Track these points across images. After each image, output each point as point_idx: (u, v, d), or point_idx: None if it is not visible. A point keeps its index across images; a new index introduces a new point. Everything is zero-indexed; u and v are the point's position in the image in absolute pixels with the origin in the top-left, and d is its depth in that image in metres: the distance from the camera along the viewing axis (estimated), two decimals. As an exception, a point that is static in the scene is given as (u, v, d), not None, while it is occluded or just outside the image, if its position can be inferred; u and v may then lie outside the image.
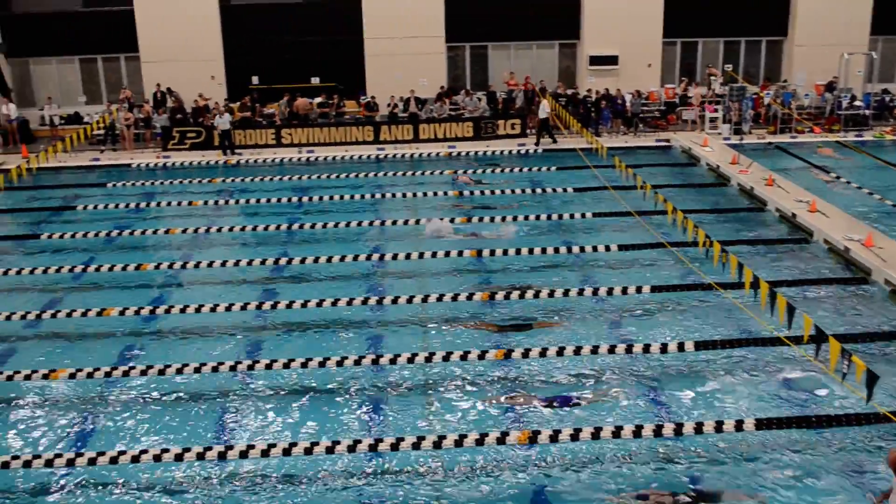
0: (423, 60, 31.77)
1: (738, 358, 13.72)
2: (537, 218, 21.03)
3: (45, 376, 13.59)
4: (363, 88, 31.83)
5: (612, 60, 32.39)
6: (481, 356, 13.70)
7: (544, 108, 28.77)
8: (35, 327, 15.85)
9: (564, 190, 23.40)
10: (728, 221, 20.95)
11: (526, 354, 13.74)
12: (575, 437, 11.32)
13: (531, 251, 18.45)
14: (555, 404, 12.59)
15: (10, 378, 13.55)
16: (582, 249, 18.62)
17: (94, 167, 28.12)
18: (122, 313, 15.86)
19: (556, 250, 18.59)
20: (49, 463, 11.25)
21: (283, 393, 13.11)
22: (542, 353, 13.70)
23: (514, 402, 12.67)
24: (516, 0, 32.42)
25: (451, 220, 20.75)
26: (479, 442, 11.28)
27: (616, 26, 32.03)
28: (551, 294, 16.10)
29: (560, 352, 13.72)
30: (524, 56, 33.50)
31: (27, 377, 13.58)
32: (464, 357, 13.65)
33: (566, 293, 16.15)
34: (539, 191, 23.45)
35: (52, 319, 15.91)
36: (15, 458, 11.36)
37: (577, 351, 13.74)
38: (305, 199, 23.31)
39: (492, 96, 31.40)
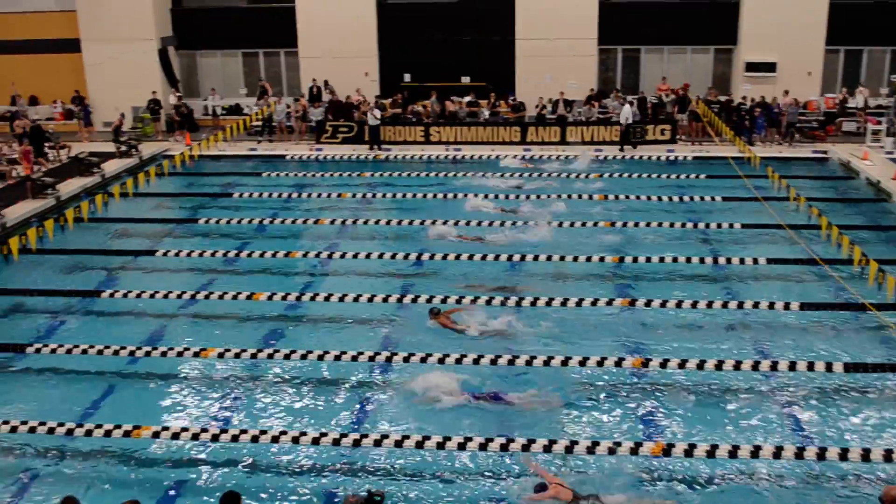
0: (574, 62, 31.57)
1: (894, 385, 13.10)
2: (683, 226, 20.58)
3: (196, 354, 14.30)
4: (512, 89, 31.90)
5: (770, 67, 31.27)
6: (618, 363, 13.57)
7: (626, 113, 28.30)
8: (189, 307, 16.70)
9: (713, 199, 22.82)
10: (888, 241, 19.93)
11: (664, 365, 13.50)
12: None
13: (675, 259, 18.09)
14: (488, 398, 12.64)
15: (164, 354, 14.33)
16: (728, 261, 18.13)
17: (250, 157, 29.32)
18: (269, 298, 16.49)
19: (702, 260, 18.16)
20: (195, 436, 11.85)
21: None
22: (681, 365, 13.44)
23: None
24: (672, 3, 31.82)
25: (595, 224, 20.59)
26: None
27: (776, 32, 30.86)
28: (694, 305, 15.75)
29: (700, 365, 13.41)
30: (678, 60, 32.83)
31: (179, 354, 14.33)
32: (600, 363, 13.55)
33: (710, 305, 15.75)
34: (686, 198, 22.95)
35: (205, 301, 16.73)
36: (165, 429, 12.02)
37: (719, 366, 13.39)
38: (450, 196, 23.54)
39: (642, 101, 30.92)
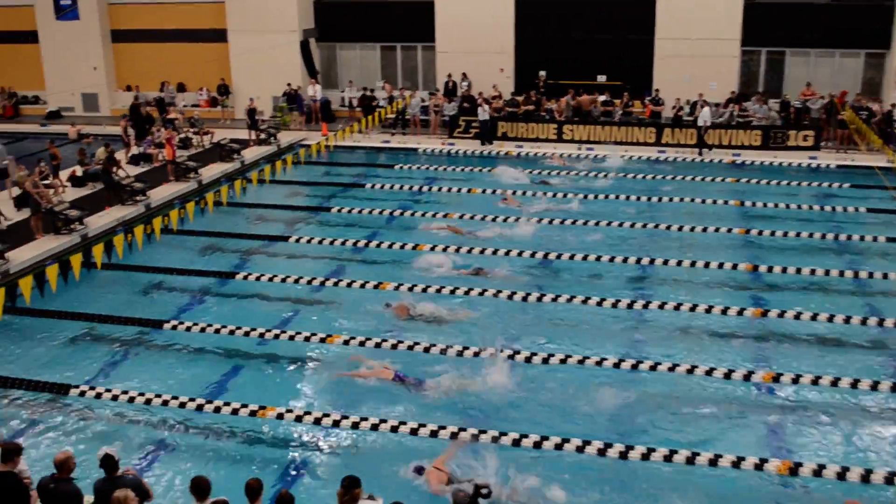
0: (715, 63, 30.68)
1: None
2: (823, 237, 19.75)
3: (322, 340, 14.62)
4: (649, 89, 31.31)
5: (926, 74, 29.64)
6: (746, 377, 13.16)
7: (704, 116, 27.46)
8: (318, 292, 17.11)
9: (856, 209, 21.82)
10: None
11: (796, 380, 13.01)
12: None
13: (813, 272, 17.39)
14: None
15: (291, 338, 14.72)
16: (870, 275, 17.32)
17: (384, 149, 29.76)
18: (395, 288, 16.75)
19: (841, 273, 17.41)
20: (317, 421, 12.12)
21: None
22: (815, 382, 12.94)
23: None
24: (822, 4, 30.55)
25: (729, 231, 20.03)
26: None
27: (936, 36, 29.20)
28: (830, 319, 15.10)
29: (835, 382, 12.88)
30: (824, 64, 31.44)
31: (307, 339, 14.68)
32: (727, 376, 13.17)
33: (847, 320, 15.07)
34: (827, 208, 22.02)
35: (333, 287, 17.10)
36: (289, 411, 12.34)
37: (855, 384, 12.83)
38: (578, 195, 23.30)
39: (785, 105, 29.82)
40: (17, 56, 36.79)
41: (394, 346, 14.34)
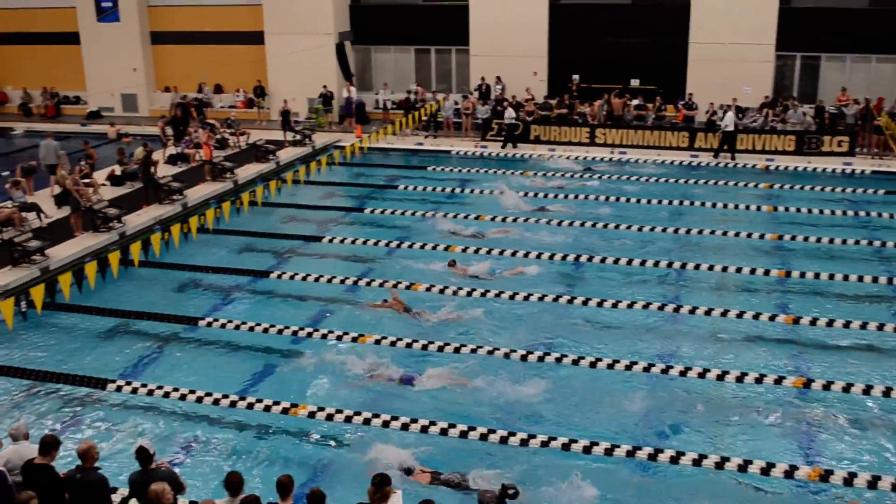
0: (749, 68, 30.50)
1: None
2: (856, 243, 19.63)
3: (354, 340, 14.81)
4: (682, 93, 31.23)
5: (965, 80, 29.28)
6: (777, 382, 13.16)
7: (728, 120, 27.37)
8: (352, 293, 17.30)
9: (891, 216, 21.64)
10: None
11: (828, 387, 12.99)
12: None
13: (846, 277, 17.30)
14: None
15: (324, 336, 14.93)
16: (907, 282, 17.24)
17: (417, 151, 29.95)
18: (427, 290, 16.98)
19: (875, 279, 17.31)
20: (348, 419, 12.29)
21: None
22: (846, 389, 12.89)
23: None
24: (859, 9, 30.29)
25: (750, 235, 19.98)
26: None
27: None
28: (863, 326, 15.04)
29: (868, 390, 12.83)
30: (860, 70, 31.14)
31: (339, 338, 14.88)
32: (758, 380, 13.18)
33: (881, 327, 15.00)
34: (862, 214, 21.87)
35: (366, 287, 17.29)
36: (320, 409, 12.52)
37: (888, 392, 12.77)
38: (612, 198, 23.31)
39: (819, 110, 29.60)
40: (60, 57, 37.47)
41: (424, 347, 14.49)
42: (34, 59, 38.02)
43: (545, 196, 23.78)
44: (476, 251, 19.25)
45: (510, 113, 29.49)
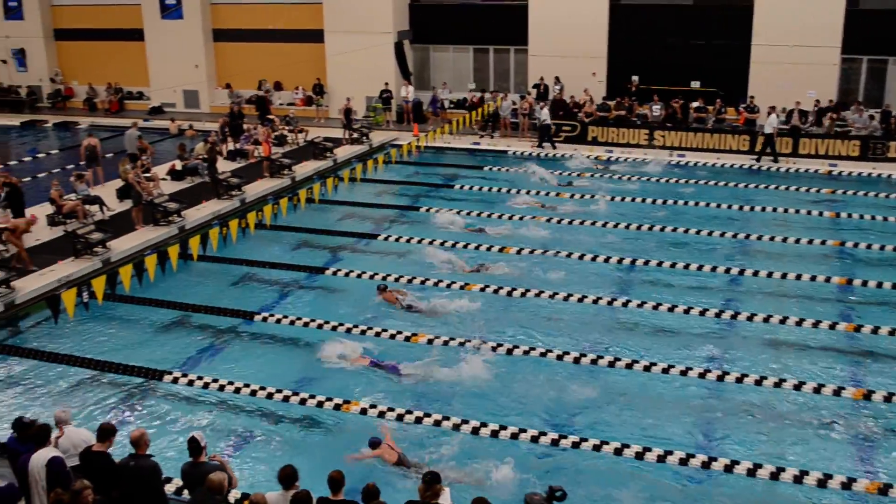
0: (813, 71, 29.87)
1: None
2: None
3: (407, 339, 14.87)
4: (744, 96, 30.73)
5: None
6: (836, 392, 12.89)
7: (772, 122, 26.73)
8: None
9: (961, 225, 21.11)
10: None
11: (889, 398, 12.71)
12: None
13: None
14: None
15: (378, 335, 15.00)
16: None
17: (474, 151, 29.93)
18: (482, 290, 16.96)
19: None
20: (400, 417, 12.33)
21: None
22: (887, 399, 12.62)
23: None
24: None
25: (811, 241, 19.60)
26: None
27: None
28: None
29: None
30: (930, 73, 30.37)
31: (392, 336, 14.95)
32: (816, 391, 12.93)
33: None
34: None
35: (419, 285, 17.32)
36: (372, 406, 12.57)
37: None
38: (669, 202, 23.05)
39: (885, 115, 28.90)
40: (124, 53, 38.18)
41: (493, 348, 14.48)
42: (100, 56, 38.85)
43: (592, 197, 23.63)
44: (529, 252, 19.18)
45: (545, 114, 29.36)
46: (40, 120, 36.66)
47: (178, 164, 25.62)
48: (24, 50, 39.94)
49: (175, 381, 13.58)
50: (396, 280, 17.59)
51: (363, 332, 15.14)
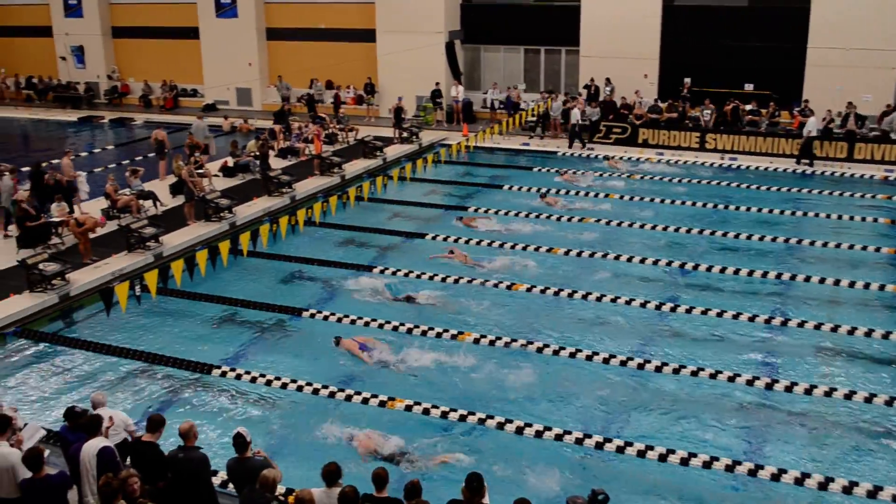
0: (870, 74, 29.31)
1: None
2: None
3: (454, 337, 14.89)
4: (798, 99, 30.25)
5: None
6: (889, 403, 12.65)
7: (810, 125, 26.43)
8: (451, 290, 17.33)
9: None
10: None
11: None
12: None
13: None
14: None
15: (424, 333, 15.06)
16: None
17: (523, 151, 29.88)
18: (528, 290, 16.89)
19: None
20: (444, 415, 12.35)
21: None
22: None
23: None
24: None
25: (866, 248, 19.23)
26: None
27: None
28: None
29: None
30: None
31: (438, 335, 15.01)
32: (867, 401, 12.71)
33: None
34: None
35: (466, 285, 17.34)
36: (417, 404, 12.62)
37: None
38: (720, 206, 22.79)
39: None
40: (180, 51, 38.84)
41: (524, 346, 14.48)
42: (155, 53, 39.55)
43: (640, 199, 23.47)
44: (575, 253, 19.12)
45: (576, 114, 29.22)
46: (97, 116, 37.47)
47: (231, 161, 25.94)
48: (83, 47, 40.82)
49: (223, 375, 13.76)
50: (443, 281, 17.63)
51: (408, 331, 15.21)
